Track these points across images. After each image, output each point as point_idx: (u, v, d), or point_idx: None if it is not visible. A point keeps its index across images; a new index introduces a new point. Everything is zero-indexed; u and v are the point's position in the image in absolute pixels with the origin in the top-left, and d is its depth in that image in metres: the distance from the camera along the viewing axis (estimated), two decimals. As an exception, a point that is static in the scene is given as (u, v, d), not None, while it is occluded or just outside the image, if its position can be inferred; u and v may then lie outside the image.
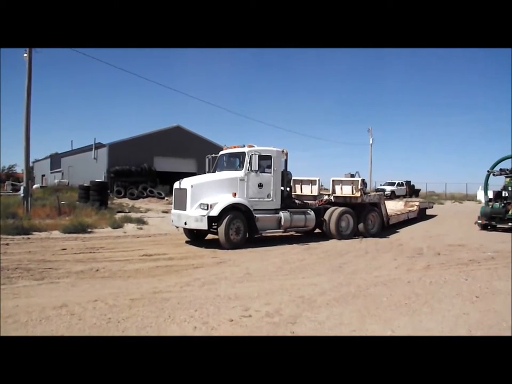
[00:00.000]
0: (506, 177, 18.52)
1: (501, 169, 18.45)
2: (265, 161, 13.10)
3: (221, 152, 14.28)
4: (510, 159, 18.40)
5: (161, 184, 36.14)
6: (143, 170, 37.88)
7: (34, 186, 39.63)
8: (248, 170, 12.59)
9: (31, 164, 47.82)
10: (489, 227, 18.04)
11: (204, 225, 11.73)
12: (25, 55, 18.66)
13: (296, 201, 14.80)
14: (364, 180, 15.72)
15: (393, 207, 21.55)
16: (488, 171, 18.92)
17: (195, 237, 13.30)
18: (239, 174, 12.64)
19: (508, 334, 5.24)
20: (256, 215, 12.46)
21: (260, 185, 12.82)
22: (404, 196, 38.26)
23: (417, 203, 22.74)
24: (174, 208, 13.07)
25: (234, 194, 12.25)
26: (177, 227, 13.17)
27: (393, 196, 37.08)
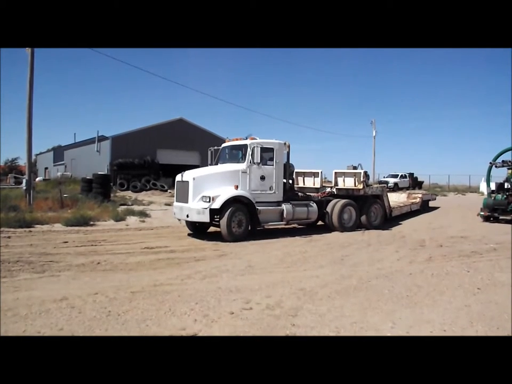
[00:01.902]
0: (508, 169, 18.48)
1: (503, 161, 18.44)
2: (267, 153, 13.04)
3: (223, 145, 14.23)
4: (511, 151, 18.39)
5: (164, 176, 36.04)
6: (146, 163, 37.80)
7: (37, 179, 39.81)
8: (250, 162, 12.55)
9: (34, 157, 47.99)
10: (491, 219, 18.01)
11: (205, 218, 11.71)
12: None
13: (299, 193, 14.75)
14: (366, 172, 15.65)
15: (396, 199, 21.51)
16: (490, 163, 18.91)
17: (197, 230, 13.28)
18: (241, 166, 12.60)
19: (509, 325, 5.22)
20: (258, 207, 12.42)
21: (262, 178, 12.78)
22: (407, 188, 38.14)
23: (420, 195, 22.65)
24: (176, 201, 13.05)
25: (237, 187, 12.21)
26: (179, 220, 13.18)
27: (396, 188, 36.95)
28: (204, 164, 22.68)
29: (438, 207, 24.29)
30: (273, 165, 13.07)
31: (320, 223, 15.16)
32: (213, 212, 11.72)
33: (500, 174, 21.09)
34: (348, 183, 15.25)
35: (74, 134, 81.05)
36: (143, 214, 17.11)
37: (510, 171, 18.40)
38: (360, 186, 14.95)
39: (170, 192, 30.79)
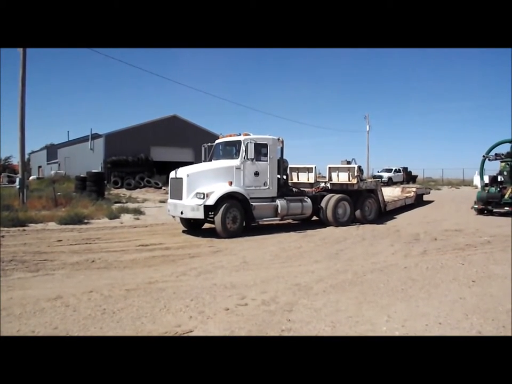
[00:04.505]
0: (501, 162, 18.56)
1: (496, 154, 18.52)
2: (261, 149, 13.02)
3: (217, 141, 14.17)
4: (504, 144, 18.47)
5: (158, 174, 36.02)
6: (140, 160, 37.72)
7: (30, 178, 39.61)
8: (244, 158, 12.53)
9: (27, 155, 47.72)
10: (485, 212, 18.06)
11: (200, 215, 11.69)
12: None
13: (293, 189, 14.74)
14: (360, 166, 15.70)
15: (390, 193, 21.55)
16: (483, 156, 18.97)
17: (192, 226, 13.26)
18: (235, 162, 12.58)
19: (503, 317, 5.24)
20: (252, 203, 12.41)
21: (256, 174, 12.77)
22: (401, 182, 38.20)
23: (414, 189, 22.73)
24: (170, 198, 13.02)
25: (231, 183, 12.19)
26: (173, 216, 13.15)
27: (390, 182, 37.02)
28: (197, 160, 22.64)
29: (432, 201, 24.38)
30: (267, 161, 13.07)
31: (314, 218, 15.18)
32: (207, 208, 11.71)
33: (493, 167, 21.23)
34: (342, 178, 15.26)
35: (68, 132, 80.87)
36: (137, 212, 17.05)
37: (503, 164, 18.50)
38: (354, 181, 14.98)
39: (164, 189, 30.72)
